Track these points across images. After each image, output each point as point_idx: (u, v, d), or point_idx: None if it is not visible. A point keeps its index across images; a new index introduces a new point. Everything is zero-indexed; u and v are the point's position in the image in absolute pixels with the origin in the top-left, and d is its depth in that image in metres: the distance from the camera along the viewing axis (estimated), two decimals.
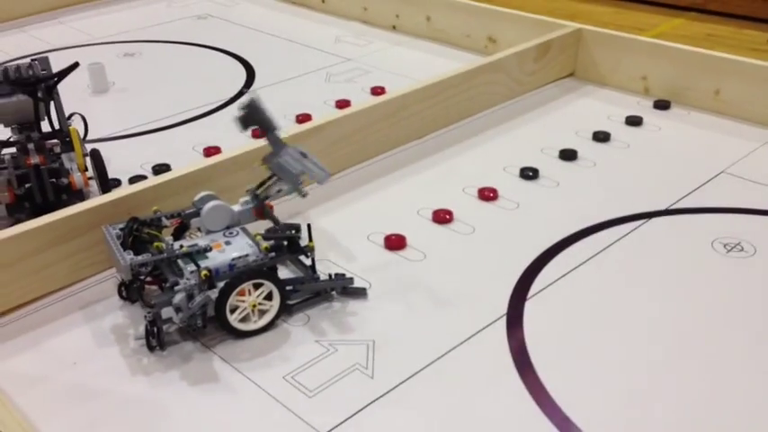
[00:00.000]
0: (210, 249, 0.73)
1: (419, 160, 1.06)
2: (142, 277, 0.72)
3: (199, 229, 0.78)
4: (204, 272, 0.69)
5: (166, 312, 0.71)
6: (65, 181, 0.89)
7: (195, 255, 0.72)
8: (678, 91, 1.20)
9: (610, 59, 1.27)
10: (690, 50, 1.19)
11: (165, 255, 0.72)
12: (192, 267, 0.71)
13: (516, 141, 1.11)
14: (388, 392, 0.67)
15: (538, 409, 0.65)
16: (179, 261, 0.72)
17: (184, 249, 0.72)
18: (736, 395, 0.66)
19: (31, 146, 0.89)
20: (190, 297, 0.69)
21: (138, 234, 0.75)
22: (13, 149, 0.91)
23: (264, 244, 0.74)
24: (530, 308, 0.77)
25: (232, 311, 0.72)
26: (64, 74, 0.89)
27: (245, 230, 0.77)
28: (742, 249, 0.85)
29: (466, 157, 1.07)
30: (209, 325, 0.72)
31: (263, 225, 0.81)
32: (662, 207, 0.93)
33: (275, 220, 0.80)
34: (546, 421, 0.64)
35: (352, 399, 0.66)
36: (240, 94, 1.29)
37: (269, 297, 0.73)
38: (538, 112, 1.19)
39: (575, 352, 0.71)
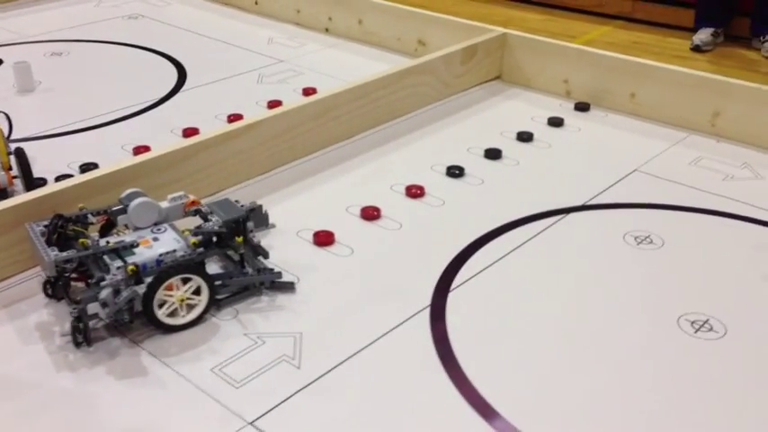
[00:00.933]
0: (137, 245, 0.73)
1: (348, 159, 1.08)
2: (67, 274, 0.73)
3: (126, 226, 0.79)
4: (131, 267, 0.70)
5: (92, 308, 0.71)
6: None
7: (121, 251, 0.73)
8: (598, 94, 1.26)
9: (534, 63, 1.32)
10: (609, 55, 1.25)
11: (91, 251, 0.72)
12: (118, 263, 0.71)
13: (443, 141, 1.14)
14: (313, 382, 0.69)
15: (460, 396, 0.67)
16: (105, 257, 0.72)
17: (110, 245, 0.73)
18: (645, 379, 0.70)
19: None
20: (116, 292, 0.69)
21: (63, 231, 0.75)
22: None
23: (192, 239, 0.75)
24: (452, 300, 0.80)
25: (160, 306, 0.72)
26: None
27: (173, 227, 0.78)
28: (651, 242, 0.90)
29: (394, 156, 1.10)
30: (137, 320, 0.73)
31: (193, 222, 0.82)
32: (579, 203, 0.98)
33: (204, 217, 0.81)
34: (468, 408, 0.66)
35: (278, 388, 0.68)
36: (171, 93, 1.29)
37: (197, 292, 0.74)
38: (465, 114, 1.23)
39: (495, 342, 0.74)
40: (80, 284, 0.75)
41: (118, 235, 0.78)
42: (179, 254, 0.74)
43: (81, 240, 0.73)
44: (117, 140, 1.12)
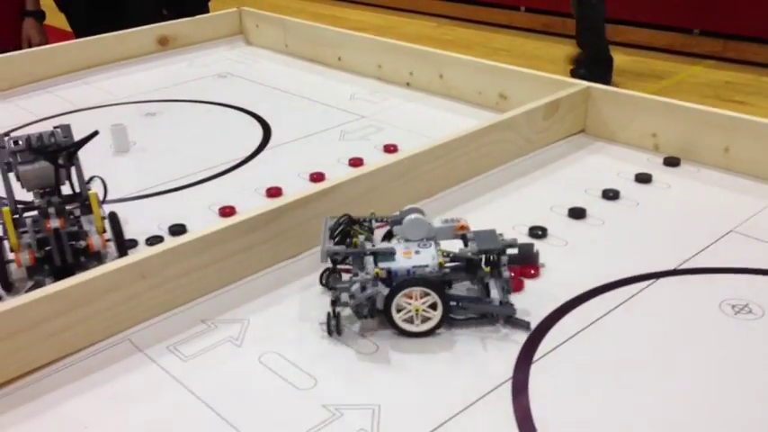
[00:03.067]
0: (395, 253, 0.83)
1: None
2: (336, 265, 0.87)
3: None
4: (378, 270, 0.80)
5: (344, 297, 0.82)
6: (83, 243, 0.92)
7: (381, 255, 0.82)
8: (688, 148, 1.21)
9: (619, 117, 1.28)
10: (699, 108, 1.21)
11: (357, 249, 0.84)
12: (374, 265, 0.82)
13: (525, 199, 1.12)
14: None
15: None
16: (367, 257, 0.83)
17: (373, 248, 0.84)
18: None
19: (51, 210, 0.92)
20: (363, 288, 0.80)
21: (347, 229, 0.87)
22: (35, 213, 0.94)
23: (441, 259, 0.82)
24: (535, 372, 0.77)
25: (399, 311, 0.80)
26: (83, 142, 0.93)
27: (436, 245, 0.85)
28: (750, 311, 0.85)
29: (474, 215, 1.08)
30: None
31: None
32: (670, 267, 0.93)
33: (465, 242, 0.87)
34: None
35: None
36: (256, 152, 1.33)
37: (434, 307, 0.81)
38: (547, 170, 1.21)
39: (581, 418, 0.71)
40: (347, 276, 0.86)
41: (390, 242, 0.88)
42: (428, 269, 0.81)
43: (354, 239, 0.85)
44: (204, 201, 1.15)
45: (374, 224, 0.90)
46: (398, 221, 0.86)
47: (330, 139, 1.37)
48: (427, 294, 0.80)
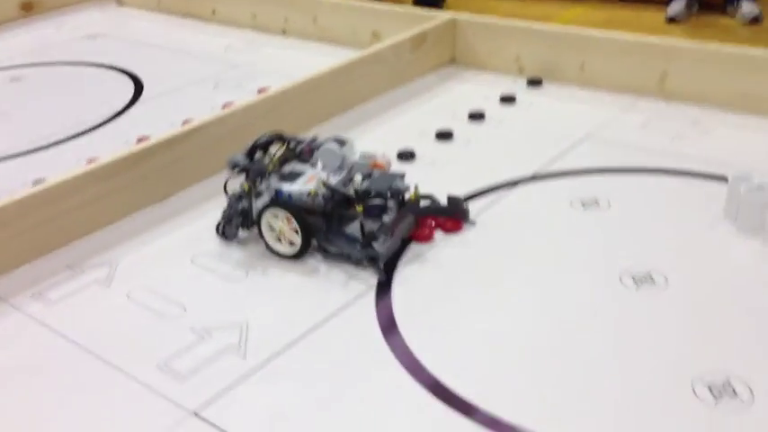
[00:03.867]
0: (299, 175, 0.84)
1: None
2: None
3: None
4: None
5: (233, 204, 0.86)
6: None
7: (283, 176, 0.85)
8: (549, 68, 1.26)
9: (485, 44, 1.32)
10: (556, 30, 1.26)
11: (257, 165, 0.85)
12: (266, 183, 0.84)
13: (395, 128, 1.15)
14: (259, 369, 0.69)
15: (406, 373, 0.68)
16: (273, 176, 0.85)
17: (271, 167, 0.85)
18: (589, 334, 0.70)
19: None
20: (239, 198, 0.85)
21: (272, 145, 0.88)
22: None
23: (312, 189, 0.81)
24: (398, 277, 0.80)
25: (272, 230, 0.84)
26: None
27: (345, 173, 0.84)
28: (598, 205, 0.90)
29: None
30: None
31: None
32: (529, 174, 0.98)
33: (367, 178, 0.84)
34: (416, 385, 0.66)
35: (223, 378, 0.68)
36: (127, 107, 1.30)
37: (298, 232, 0.82)
38: (417, 99, 1.24)
39: (441, 316, 0.75)
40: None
41: (313, 166, 0.87)
42: (302, 196, 0.81)
43: (272, 158, 0.86)
44: (73, 157, 1.13)
45: (302, 147, 0.89)
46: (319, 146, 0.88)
47: (204, 90, 1.35)
48: (290, 219, 0.82)
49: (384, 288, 0.79)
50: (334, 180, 0.84)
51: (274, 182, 0.84)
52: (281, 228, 0.83)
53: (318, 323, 0.74)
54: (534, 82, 1.25)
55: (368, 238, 0.81)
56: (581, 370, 0.66)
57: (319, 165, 0.87)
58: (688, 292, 0.74)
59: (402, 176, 0.85)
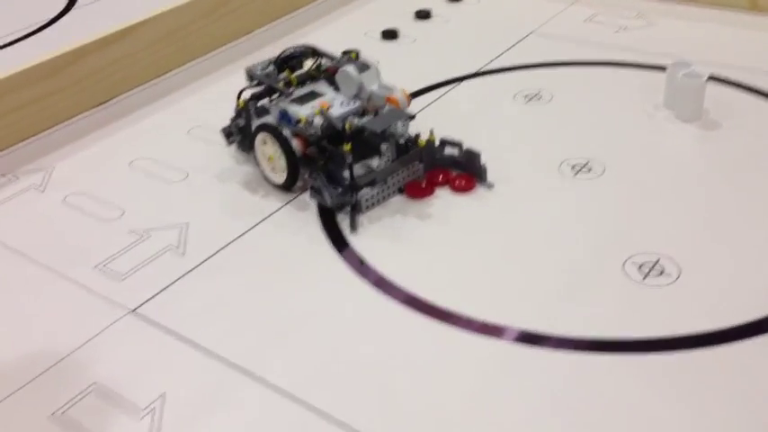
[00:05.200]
0: (313, 98, 0.76)
1: (247, 55, 1.06)
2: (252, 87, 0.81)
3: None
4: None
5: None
6: None
7: (298, 98, 0.76)
8: None
9: None
10: None
11: (270, 80, 0.78)
12: (279, 101, 0.76)
13: (340, 29, 1.12)
14: (198, 265, 0.69)
15: (347, 267, 0.68)
16: (286, 95, 0.76)
17: (281, 86, 0.77)
18: (528, 229, 0.71)
19: None
20: (238, 115, 0.79)
21: (301, 60, 0.81)
22: None
23: (303, 116, 0.72)
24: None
25: (266, 156, 0.77)
26: None
27: (359, 104, 0.75)
28: (541, 98, 0.90)
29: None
30: None
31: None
32: (472, 71, 0.97)
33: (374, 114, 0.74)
34: (357, 278, 0.66)
35: (162, 277, 0.68)
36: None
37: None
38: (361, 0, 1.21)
39: (379, 215, 0.75)
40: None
41: (331, 86, 0.78)
42: (301, 125, 0.72)
43: (290, 76, 0.78)
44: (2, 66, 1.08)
45: (324, 65, 0.80)
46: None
47: None
48: (275, 144, 0.74)
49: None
50: (343, 109, 0.73)
51: (285, 102, 0.75)
52: (271, 155, 0.75)
53: (258, 222, 0.74)
54: None
55: (352, 185, 0.72)
56: (520, 252, 0.67)
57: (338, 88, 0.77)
58: (624, 179, 0.75)
59: (407, 118, 0.73)
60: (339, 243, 0.70)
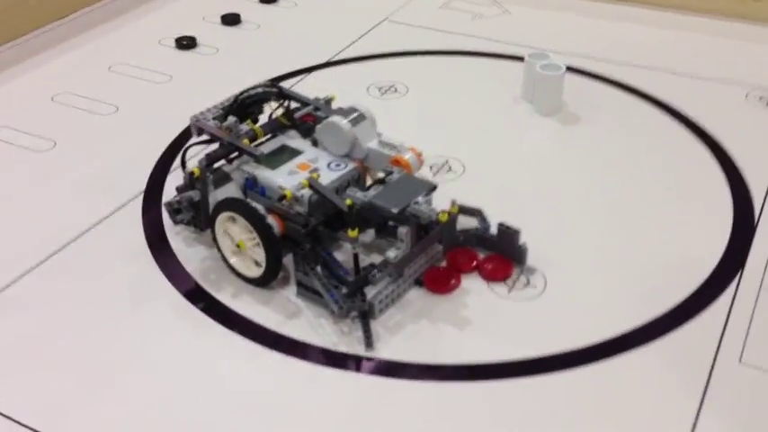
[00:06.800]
0: (289, 158, 0.57)
1: (61, 42, 0.92)
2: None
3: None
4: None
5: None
6: None
7: (266, 157, 0.56)
8: None
9: None
10: None
11: (226, 136, 0.57)
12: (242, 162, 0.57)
13: (173, 12, 1.01)
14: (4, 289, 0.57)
15: (167, 281, 0.59)
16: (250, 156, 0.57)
17: (243, 142, 0.57)
18: None
19: None
20: (190, 185, 0.58)
21: (264, 101, 0.61)
22: None
23: (288, 191, 0.52)
24: (172, 181, 0.70)
25: (230, 238, 0.56)
26: None
27: (351, 169, 0.55)
28: (396, 90, 0.84)
29: (116, 34, 0.95)
30: None
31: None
32: (323, 60, 0.89)
33: (381, 183, 0.54)
34: (177, 295, 0.58)
35: None
36: None
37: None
38: None
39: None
40: None
41: (306, 140, 0.59)
42: (285, 200, 0.52)
43: (248, 121, 0.58)
44: None
45: (302, 112, 0.61)
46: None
47: None
48: (252, 231, 0.53)
49: (154, 193, 0.68)
50: (330, 176, 0.55)
51: (249, 164, 0.56)
52: (241, 242, 0.55)
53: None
54: None
55: (358, 282, 0.52)
56: None
57: (321, 145, 0.58)
58: (485, 178, 0.70)
59: (430, 189, 0.54)
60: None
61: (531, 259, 0.59)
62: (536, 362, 0.51)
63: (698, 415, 0.47)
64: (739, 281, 0.57)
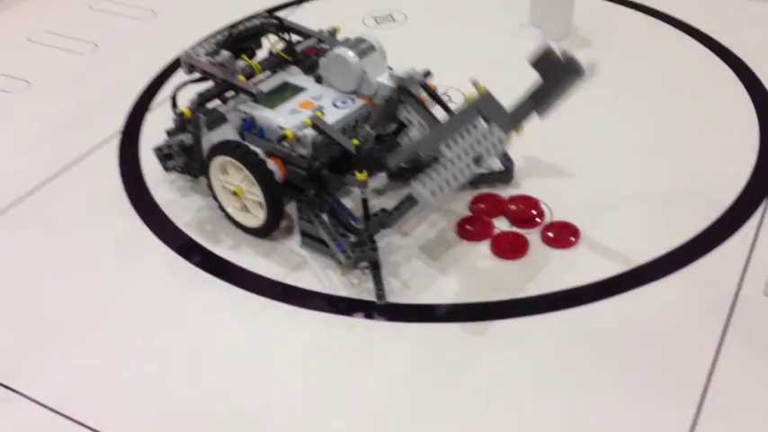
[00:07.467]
0: (291, 95, 0.51)
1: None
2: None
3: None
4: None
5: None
6: None
7: (265, 96, 0.50)
8: None
9: None
10: None
11: (220, 72, 0.51)
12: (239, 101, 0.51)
13: None
14: None
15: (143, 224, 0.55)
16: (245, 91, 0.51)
17: (241, 80, 0.51)
18: None
19: None
20: (180, 127, 0.52)
21: (262, 34, 0.54)
22: None
23: (288, 131, 0.46)
24: (151, 121, 0.65)
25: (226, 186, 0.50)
26: None
27: (360, 107, 0.49)
28: (393, 20, 0.78)
29: None
30: None
31: None
32: None
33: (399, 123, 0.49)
34: (156, 240, 0.54)
35: None
36: None
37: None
38: None
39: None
40: None
41: (309, 76, 0.53)
42: (286, 141, 0.47)
43: (244, 56, 0.52)
44: None
45: (305, 45, 0.55)
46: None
47: None
48: (250, 177, 0.48)
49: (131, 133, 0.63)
50: (336, 115, 0.49)
51: (246, 104, 0.50)
52: (238, 188, 0.50)
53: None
54: None
55: (370, 228, 0.47)
56: None
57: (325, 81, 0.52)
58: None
59: (461, 121, 0.48)
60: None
61: (548, 192, 0.55)
62: (561, 295, 0.48)
63: (720, 343, 0.45)
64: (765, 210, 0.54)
